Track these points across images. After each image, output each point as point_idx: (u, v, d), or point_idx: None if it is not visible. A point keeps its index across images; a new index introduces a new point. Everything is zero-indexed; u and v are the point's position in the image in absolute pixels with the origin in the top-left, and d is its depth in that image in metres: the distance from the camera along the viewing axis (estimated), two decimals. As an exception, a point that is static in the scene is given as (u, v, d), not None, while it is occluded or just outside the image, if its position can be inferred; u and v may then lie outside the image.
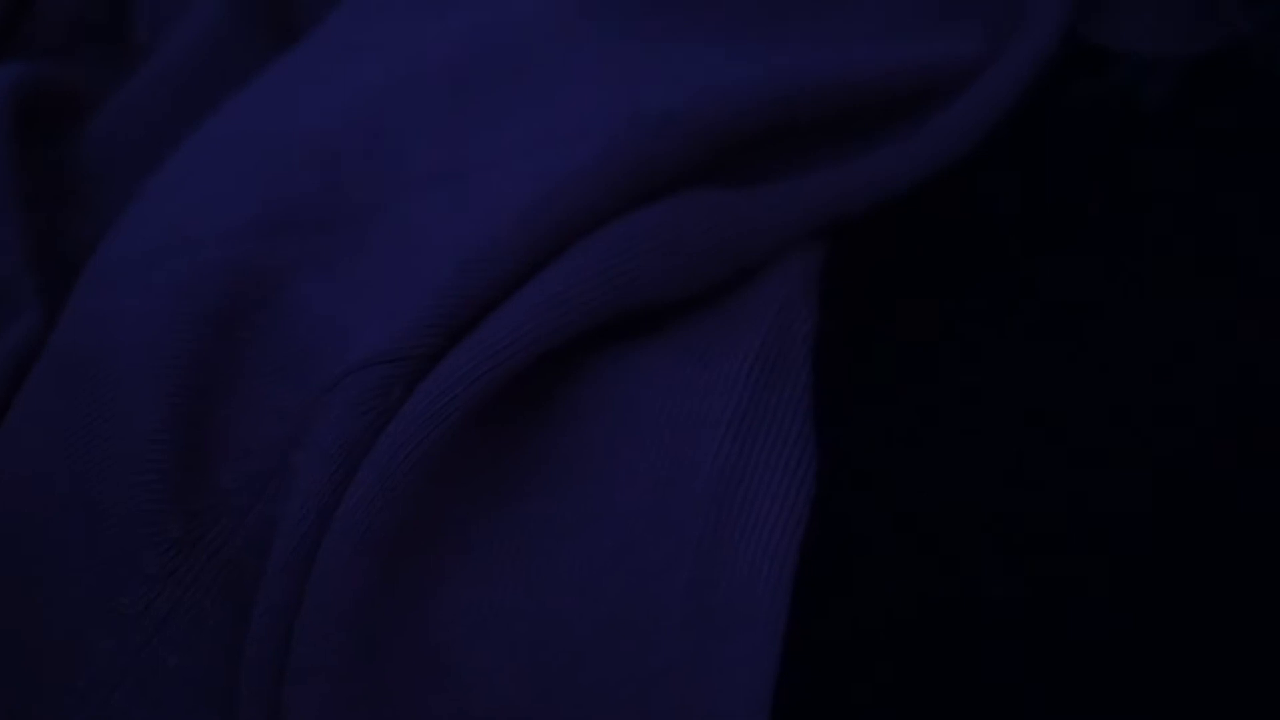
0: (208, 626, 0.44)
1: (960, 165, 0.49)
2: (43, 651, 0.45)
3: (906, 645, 0.42)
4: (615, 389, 0.45)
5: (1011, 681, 0.42)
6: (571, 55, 0.48)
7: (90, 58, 0.59)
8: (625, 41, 0.48)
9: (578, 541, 0.44)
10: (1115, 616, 0.42)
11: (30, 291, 0.50)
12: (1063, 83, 0.52)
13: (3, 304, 0.50)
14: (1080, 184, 0.49)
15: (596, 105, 0.47)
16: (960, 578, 0.43)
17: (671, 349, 0.46)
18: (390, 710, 0.43)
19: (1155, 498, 0.43)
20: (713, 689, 0.42)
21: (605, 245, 0.45)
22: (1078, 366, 0.45)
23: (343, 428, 0.43)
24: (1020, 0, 0.49)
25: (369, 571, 0.43)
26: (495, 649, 0.43)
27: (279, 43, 0.55)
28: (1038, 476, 0.44)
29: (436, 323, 0.44)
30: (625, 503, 0.44)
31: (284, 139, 0.48)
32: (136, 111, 0.55)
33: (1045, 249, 0.47)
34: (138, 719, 0.44)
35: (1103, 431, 0.44)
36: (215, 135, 0.50)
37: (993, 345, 0.46)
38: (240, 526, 0.44)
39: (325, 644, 0.42)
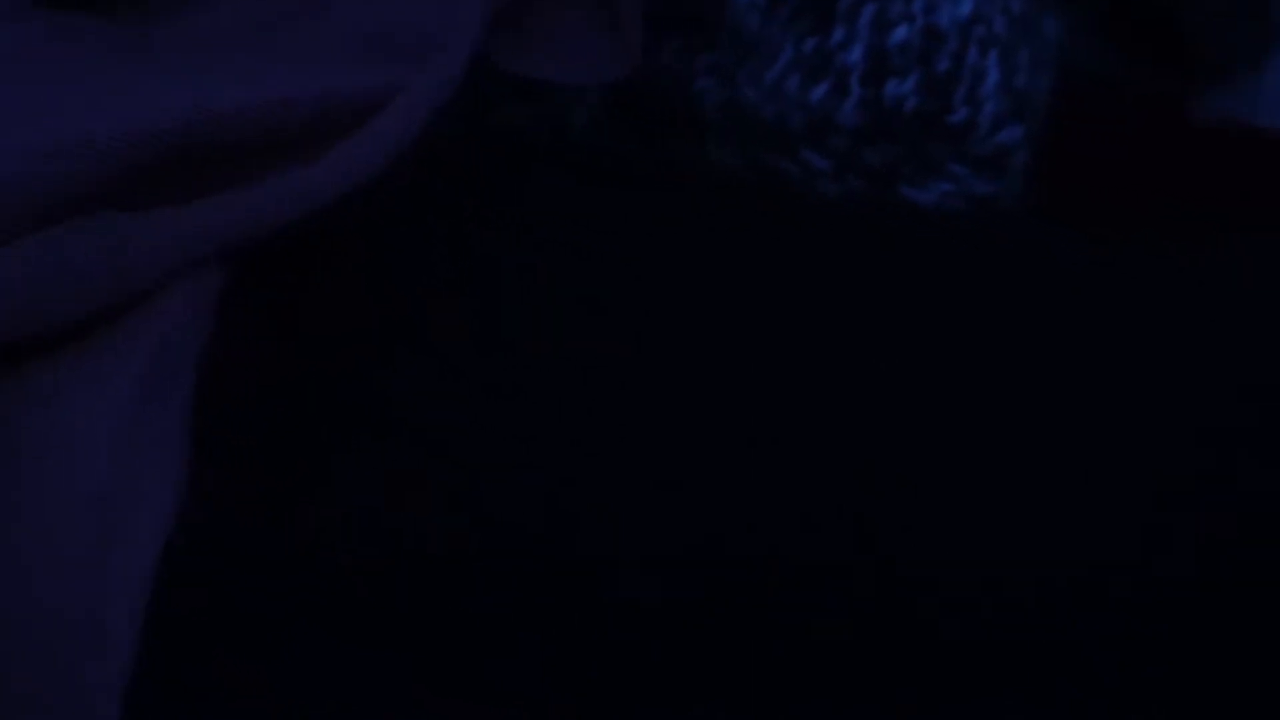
0: None
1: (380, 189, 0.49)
2: None
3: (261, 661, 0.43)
4: (1, 410, 0.45)
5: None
6: None
7: None
8: (36, 77, 0.48)
9: None
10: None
11: None
12: (488, 110, 0.53)
13: None
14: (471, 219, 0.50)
15: None
16: (328, 594, 0.44)
17: (59, 369, 0.46)
18: None
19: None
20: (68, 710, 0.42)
21: None
22: (467, 403, 0.47)
23: None
24: (435, 33, 0.50)
25: None
26: None
27: None
28: (418, 497, 0.45)
29: None
30: (9, 525, 0.44)
31: None
32: None
33: (440, 280, 0.49)
34: None
35: (502, 455, 0.46)
36: None
37: (382, 374, 0.47)
38: None
39: None
